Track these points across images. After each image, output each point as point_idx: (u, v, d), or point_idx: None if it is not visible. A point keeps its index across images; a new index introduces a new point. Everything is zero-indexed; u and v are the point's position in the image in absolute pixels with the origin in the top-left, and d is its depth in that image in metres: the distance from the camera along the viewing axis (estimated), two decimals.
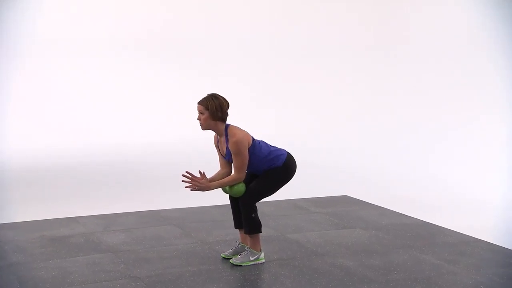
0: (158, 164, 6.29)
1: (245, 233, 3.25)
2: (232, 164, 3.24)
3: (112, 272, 3.13)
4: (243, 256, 3.28)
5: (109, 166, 6.15)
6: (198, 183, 3.15)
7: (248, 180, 3.28)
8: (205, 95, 3.21)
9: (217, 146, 3.31)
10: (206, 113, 3.16)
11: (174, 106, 7.23)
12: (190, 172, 3.16)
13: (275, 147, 3.33)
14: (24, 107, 6.85)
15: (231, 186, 3.21)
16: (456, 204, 4.84)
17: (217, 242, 3.67)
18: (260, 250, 3.31)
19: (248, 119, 5.34)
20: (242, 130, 3.20)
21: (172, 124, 7.09)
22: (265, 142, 3.31)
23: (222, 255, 3.41)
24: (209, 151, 3.77)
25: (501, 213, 4.72)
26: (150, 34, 7.40)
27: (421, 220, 4.27)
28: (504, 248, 3.64)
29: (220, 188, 3.25)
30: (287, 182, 3.32)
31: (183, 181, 3.16)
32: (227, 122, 3.23)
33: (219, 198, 4.15)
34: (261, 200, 3.31)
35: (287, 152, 3.33)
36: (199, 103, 3.19)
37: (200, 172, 3.18)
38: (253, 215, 3.21)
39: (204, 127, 3.21)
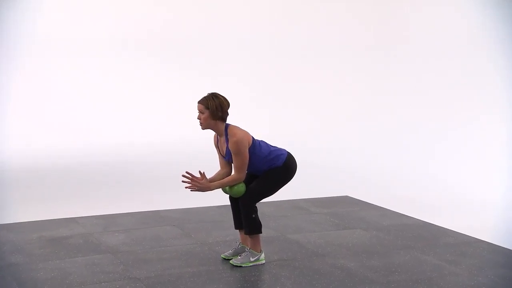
0: (158, 164, 6.29)
1: (245, 233, 3.24)
2: (232, 164, 3.22)
3: (111, 273, 3.12)
4: (243, 257, 3.26)
5: (109, 166, 6.14)
6: (198, 183, 3.13)
7: (248, 181, 3.27)
8: (205, 94, 3.20)
9: (217, 146, 3.29)
10: (206, 113, 3.14)
11: (174, 106, 7.23)
12: (190, 172, 3.14)
13: (275, 147, 3.31)
14: (24, 107, 6.85)
15: (231, 186, 3.19)
16: (456, 204, 4.83)
17: (217, 243, 3.66)
18: (261, 251, 3.29)
19: (248, 119, 5.33)
20: (242, 129, 3.18)
21: (172, 124, 7.08)
22: (265, 142, 3.30)
23: (222, 256, 3.39)
24: (209, 151, 3.76)
25: (501, 213, 4.71)
26: (150, 34, 7.40)
27: (422, 220, 4.25)
28: (506, 249, 3.62)
29: (220, 189, 3.23)
30: (287, 182, 3.30)
31: (183, 181, 3.14)
32: (227, 122, 3.21)
33: (219, 198, 4.13)
34: (261, 201, 3.29)
35: (287, 152, 3.32)
36: (199, 102, 3.17)
37: (200, 172, 3.16)
38: (253, 215, 3.19)
39: (204, 127, 3.19)
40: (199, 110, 3.17)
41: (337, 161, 6.45)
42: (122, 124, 7.09)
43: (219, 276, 3.10)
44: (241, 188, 3.18)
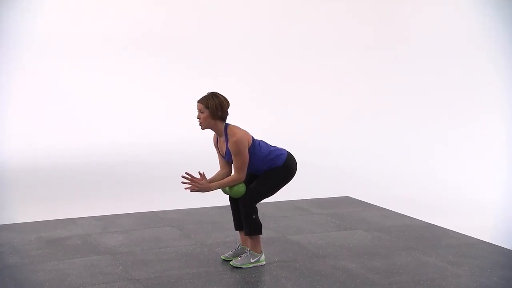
0: (158, 164, 6.28)
1: (246, 234, 3.21)
2: (232, 165, 3.20)
3: (110, 275, 3.09)
4: (243, 258, 3.24)
5: (109, 166, 6.14)
6: (198, 184, 3.11)
7: (248, 181, 3.24)
8: (205, 94, 3.17)
9: (216, 146, 3.27)
10: (206, 112, 3.12)
11: (174, 106, 7.24)
12: (189, 173, 3.12)
13: (275, 146, 3.29)
14: (24, 107, 6.88)
15: (231, 187, 3.16)
16: (456, 204, 4.83)
17: (217, 244, 3.63)
18: (261, 252, 3.27)
19: (248, 119, 5.32)
20: (242, 129, 3.16)
21: (172, 124, 7.09)
22: (265, 142, 3.27)
23: (222, 257, 3.37)
24: (209, 151, 3.74)
25: (501, 213, 4.69)
26: (150, 34, 7.42)
27: (424, 221, 4.23)
28: (509, 250, 3.60)
29: (220, 189, 3.20)
30: (288, 182, 3.28)
31: (182, 182, 3.12)
32: (226, 122, 3.18)
33: (219, 199, 4.11)
34: (262, 201, 3.27)
35: (287, 151, 3.30)
36: (199, 101, 3.15)
37: (199, 173, 3.14)
38: (254, 216, 3.17)
39: (204, 126, 3.16)
40: (198, 109, 3.14)
41: (337, 161, 6.44)
42: (122, 124, 7.11)
43: (219, 278, 3.08)
44: (241, 188, 3.16)
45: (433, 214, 4.42)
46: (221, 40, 7.59)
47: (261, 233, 3.23)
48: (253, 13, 7.68)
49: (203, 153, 4.93)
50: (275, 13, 7.73)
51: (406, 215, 4.39)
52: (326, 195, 4.99)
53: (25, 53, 6.92)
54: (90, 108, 7.15)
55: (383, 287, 2.99)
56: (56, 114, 6.94)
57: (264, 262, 3.28)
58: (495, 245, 3.67)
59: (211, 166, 3.73)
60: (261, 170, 3.22)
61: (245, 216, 3.17)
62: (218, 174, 3.27)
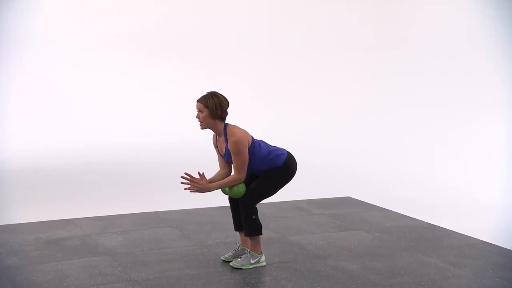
0: (158, 164, 6.27)
1: (246, 235, 3.19)
2: (232, 165, 3.18)
3: (109, 276, 3.07)
4: (243, 259, 3.22)
5: (109, 166, 6.13)
6: (197, 184, 3.08)
7: (248, 181, 3.22)
8: (204, 93, 3.15)
9: (216, 146, 3.25)
10: (206, 111, 3.10)
11: (174, 106, 7.23)
12: (189, 173, 3.09)
13: (275, 146, 3.27)
14: (24, 107, 6.89)
15: (231, 187, 3.14)
16: (456, 204, 4.82)
17: (217, 245, 3.61)
18: (261, 253, 3.25)
19: (248, 119, 5.31)
20: (242, 129, 3.14)
21: (172, 124, 7.09)
22: (265, 142, 3.26)
23: (222, 258, 3.35)
24: (209, 151, 3.72)
25: (501, 213, 4.67)
26: (150, 34, 7.43)
27: (425, 222, 4.21)
28: (510, 250, 3.58)
29: (220, 189, 3.18)
30: (288, 182, 3.26)
31: (182, 182, 3.10)
32: (226, 122, 3.16)
33: (219, 199, 4.09)
34: (262, 202, 3.25)
35: (287, 151, 3.28)
36: (198, 101, 3.13)
37: (199, 173, 3.12)
38: (254, 216, 3.15)
39: (203, 126, 3.14)
40: (198, 109, 3.12)
41: (337, 161, 6.43)
42: (122, 124, 7.11)
43: (218, 279, 3.06)
44: (241, 188, 3.14)
45: (433, 214, 4.41)
46: (221, 40, 7.58)
47: (261, 234, 3.21)
48: (253, 13, 7.67)
49: (203, 153, 4.91)
50: (275, 13, 7.72)
51: (407, 216, 4.37)
52: (327, 196, 4.98)
53: (25, 53, 6.93)
54: (90, 108, 7.15)
55: None
56: (56, 114, 6.96)
57: (264, 263, 3.26)
58: (496, 245, 3.65)
59: (211, 166, 3.71)
60: (261, 170, 3.20)
61: (245, 216, 3.15)
62: (217, 174, 3.25)
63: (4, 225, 3.97)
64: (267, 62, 7.65)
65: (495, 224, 4.37)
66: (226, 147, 3.14)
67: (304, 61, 7.68)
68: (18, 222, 4.04)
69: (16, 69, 6.83)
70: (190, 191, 3.12)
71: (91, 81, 7.25)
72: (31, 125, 6.77)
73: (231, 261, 3.28)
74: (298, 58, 7.69)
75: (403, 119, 6.88)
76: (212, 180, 3.20)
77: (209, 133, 3.37)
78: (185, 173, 3.09)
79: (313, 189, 5.22)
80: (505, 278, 3.12)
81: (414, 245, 3.66)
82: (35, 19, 6.91)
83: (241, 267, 3.20)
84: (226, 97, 3.16)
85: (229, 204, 3.34)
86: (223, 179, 3.18)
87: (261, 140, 3.25)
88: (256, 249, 3.22)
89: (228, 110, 3.16)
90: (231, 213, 3.34)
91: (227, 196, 3.30)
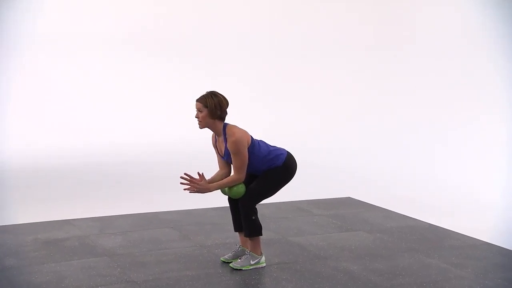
0: (158, 164, 6.27)
1: (245, 236, 3.17)
2: (232, 165, 3.15)
3: (108, 277, 3.05)
4: (243, 259, 3.19)
5: (109, 166, 6.13)
6: (197, 185, 3.06)
7: (247, 181, 3.20)
8: (203, 93, 3.13)
9: (215, 146, 3.23)
10: (205, 111, 3.07)
11: (174, 106, 7.23)
12: (188, 174, 3.07)
13: (275, 146, 3.25)
14: (24, 107, 6.89)
15: (230, 187, 3.12)
16: (456, 204, 4.80)
17: (216, 246, 3.59)
18: (261, 254, 3.23)
19: (248, 119, 5.29)
20: (241, 129, 3.12)
21: (172, 124, 7.08)
22: (264, 142, 3.24)
23: (222, 258, 3.32)
24: (209, 151, 3.70)
25: (501, 213, 4.66)
26: (150, 34, 7.43)
27: (426, 222, 4.19)
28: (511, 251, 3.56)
29: (219, 190, 3.16)
30: (287, 182, 3.24)
31: (181, 183, 3.07)
32: (225, 122, 3.14)
33: (218, 200, 4.06)
34: (262, 202, 3.24)
35: (287, 151, 3.26)
36: (197, 100, 3.11)
37: (198, 173, 3.09)
38: (253, 217, 3.13)
39: (202, 126, 3.12)
40: (197, 108, 3.10)
41: (337, 161, 6.42)
42: (122, 124, 7.11)
43: (218, 280, 3.03)
44: (240, 189, 3.11)
45: (433, 214, 4.40)
46: (221, 40, 7.57)
47: (261, 235, 3.19)
48: (253, 13, 7.66)
49: (203, 153, 4.90)
50: (275, 13, 7.71)
51: (408, 216, 4.35)
52: (327, 196, 4.96)
53: (25, 53, 6.93)
54: (90, 108, 7.15)
55: None
56: (56, 114, 6.96)
57: (264, 264, 3.23)
58: (498, 246, 3.63)
59: (211, 166, 3.69)
60: (260, 170, 3.18)
61: (244, 217, 3.12)
62: (217, 174, 3.23)
63: (2, 225, 3.95)
64: (267, 62, 7.64)
65: (495, 224, 4.36)
66: (226, 147, 3.12)
67: (304, 61, 7.67)
68: (17, 223, 4.02)
69: (16, 69, 6.84)
70: (190, 192, 3.10)
71: (91, 81, 7.25)
72: (31, 125, 6.77)
73: (231, 262, 3.26)
74: (298, 58, 7.68)
75: (403, 119, 6.87)
76: (211, 181, 3.17)
77: (209, 133, 3.35)
78: (185, 174, 3.07)
79: (313, 189, 5.21)
80: (507, 279, 3.10)
81: (415, 246, 3.64)
82: (35, 19, 6.91)
83: (241, 268, 3.18)
84: (226, 97, 3.14)
85: (228, 205, 3.32)
86: (222, 179, 3.16)
87: (260, 140, 3.23)
88: (256, 250, 3.20)
89: (228, 110, 3.14)
90: (230, 214, 3.32)
91: (227, 197, 3.27)
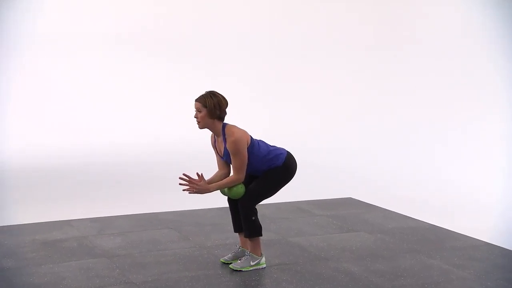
0: (158, 164, 6.26)
1: (245, 236, 3.15)
2: (231, 165, 3.13)
3: (106, 278, 3.03)
4: (243, 260, 3.17)
5: (108, 166, 6.12)
6: (196, 185, 3.04)
7: (247, 182, 3.17)
8: (203, 93, 3.11)
9: (214, 146, 3.20)
10: (204, 111, 3.05)
11: (174, 106, 7.21)
12: (187, 174, 3.05)
13: (274, 146, 3.23)
14: (24, 107, 6.89)
15: (230, 188, 3.10)
16: (456, 205, 4.79)
17: (216, 246, 3.57)
18: (261, 255, 3.20)
19: (248, 119, 5.28)
20: (240, 129, 3.10)
21: (172, 124, 7.06)
22: (264, 142, 3.22)
23: (222, 259, 3.30)
24: (209, 151, 3.68)
25: (501, 213, 4.65)
26: (151, 34, 7.43)
27: (428, 223, 4.17)
28: None
29: (219, 190, 3.14)
30: (287, 182, 3.22)
31: (180, 184, 3.05)
32: (224, 121, 3.12)
33: (218, 200, 4.04)
34: (262, 202, 3.22)
35: (287, 151, 3.24)
36: (196, 100, 3.08)
37: (197, 174, 3.07)
38: (253, 217, 3.10)
39: (201, 126, 3.10)
40: (196, 108, 3.08)
41: (338, 161, 6.41)
42: (122, 124, 7.10)
43: (218, 281, 3.01)
44: (240, 189, 3.09)
45: (433, 214, 4.38)
46: (221, 40, 7.56)
47: (261, 235, 3.16)
48: (253, 13, 7.65)
49: (203, 153, 4.88)
50: (275, 13, 7.70)
51: (409, 217, 4.33)
52: (327, 196, 4.93)
53: (25, 53, 6.93)
54: (90, 108, 7.15)
55: None
56: (56, 114, 6.96)
57: (264, 265, 3.21)
58: (500, 247, 3.61)
59: (211, 166, 3.66)
60: (260, 170, 3.16)
61: (244, 217, 3.10)
62: (216, 175, 3.21)
63: (1, 226, 3.92)
64: (267, 62, 7.63)
65: (495, 224, 4.35)
66: (225, 147, 3.10)
67: (304, 61, 7.66)
68: (15, 223, 4.00)
69: (16, 69, 6.84)
70: (189, 192, 3.07)
71: (91, 81, 7.24)
72: (31, 125, 6.77)
73: (230, 263, 3.23)
74: (298, 58, 7.67)
75: (403, 119, 6.86)
76: (211, 181, 3.15)
77: (209, 133, 3.33)
78: (183, 174, 3.04)
79: (313, 189, 5.19)
80: (509, 280, 3.08)
81: (416, 247, 3.61)
82: (35, 19, 6.91)
83: (241, 269, 3.15)
84: (226, 97, 3.12)
85: (228, 205, 3.30)
86: (222, 179, 3.13)
87: (260, 140, 3.20)
88: (256, 250, 3.18)
89: (228, 110, 3.12)
90: (230, 214, 3.30)
91: (226, 197, 3.25)
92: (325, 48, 7.63)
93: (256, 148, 3.11)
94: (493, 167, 5.53)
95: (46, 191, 5.09)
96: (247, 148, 3.07)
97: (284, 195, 3.72)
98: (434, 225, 4.11)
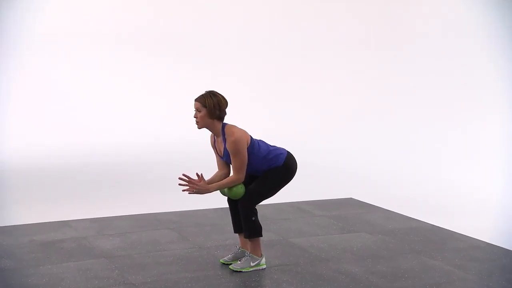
0: (158, 164, 6.25)
1: (245, 237, 3.13)
2: (231, 165, 3.11)
3: (105, 279, 3.01)
4: (243, 261, 3.15)
5: (108, 166, 6.11)
6: (196, 185, 3.02)
7: (247, 182, 3.16)
8: (202, 92, 3.09)
9: (214, 146, 3.19)
10: (204, 111, 3.03)
11: (174, 106, 7.21)
12: (187, 174, 3.03)
13: (274, 146, 3.22)
14: (24, 107, 6.89)
15: (230, 188, 3.08)
16: (457, 205, 4.77)
17: (216, 247, 3.55)
18: (261, 255, 3.18)
19: (248, 119, 5.27)
20: (240, 129, 3.08)
21: (172, 124, 7.06)
22: (264, 142, 3.20)
23: (221, 260, 3.28)
24: (209, 151, 3.66)
25: (501, 213, 4.64)
26: (151, 34, 7.44)
27: (429, 223, 4.15)
28: None
29: (219, 190, 3.12)
30: (288, 183, 3.21)
31: (180, 184, 3.03)
32: (224, 121, 3.10)
33: (218, 200, 4.02)
34: (262, 203, 3.20)
35: (287, 151, 3.22)
36: (196, 100, 3.07)
37: (197, 174, 3.05)
38: (253, 218, 3.08)
39: (201, 126, 3.08)
40: (196, 108, 3.06)
41: (338, 161, 6.40)
42: (122, 124, 7.10)
43: (218, 282, 2.99)
44: (240, 189, 3.07)
45: (433, 214, 4.37)
46: (221, 40, 7.55)
47: (261, 236, 3.15)
48: (253, 13, 7.64)
49: (203, 153, 4.86)
50: (275, 13, 7.69)
51: (410, 217, 4.31)
52: (328, 196, 4.92)
53: (25, 53, 6.94)
54: (90, 108, 7.15)
55: None
56: (56, 114, 6.96)
57: (264, 266, 3.19)
58: (502, 248, 3.59)
59: (212, 166, 3.65)
60: (260, 170, 3.14)
61: (244, 218, 3.08)
62: (216, 175, 3.19)
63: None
64: (267, 62, 7.62)
65: (495, 224, 4.33)
66: (225, 147, 3.08)
67: (304, 61, 7.65)
68: (14, 224, 3.98)
69: (16, 69, 6.85)
70: (189, 193, 3.06)
71: (91, 81, 7.24)
72: (31, 125, 6.78)
73: (230, 263, 3.22)
74: (298, 58, 7.66)
75: (403, 119, 6.86)
76: (210, 181, 3.14)
77: (209, 133, 3.31)
78: (183, 174, 3.02)
79: (314, 190, 5.17)
80: (511, 281, 3.05)
81: (418, 248, 3.59)
82: (35, 19, 6.91)
83: (241, 270, 3.13)
84: (225, 96, 3.10)
85: (228, 206, 3.28)
86: (222, 180, 3.11)
87: (260, 140, 3.19)
88: (256, 251, 3.16)
89: (228, 110, 3.10)
90: (230, 215, 3.28)
91: (226, 198, 3.23)
92: (325, 48, 7.62)
93: (256, 148, 3.09)
94: (493, 167, 5.52)
95: (45, 191, 5.09)
96: (247, 148, 3.05)
97: (285, 195, 3.71)
98: (435, 225, 4.09)
